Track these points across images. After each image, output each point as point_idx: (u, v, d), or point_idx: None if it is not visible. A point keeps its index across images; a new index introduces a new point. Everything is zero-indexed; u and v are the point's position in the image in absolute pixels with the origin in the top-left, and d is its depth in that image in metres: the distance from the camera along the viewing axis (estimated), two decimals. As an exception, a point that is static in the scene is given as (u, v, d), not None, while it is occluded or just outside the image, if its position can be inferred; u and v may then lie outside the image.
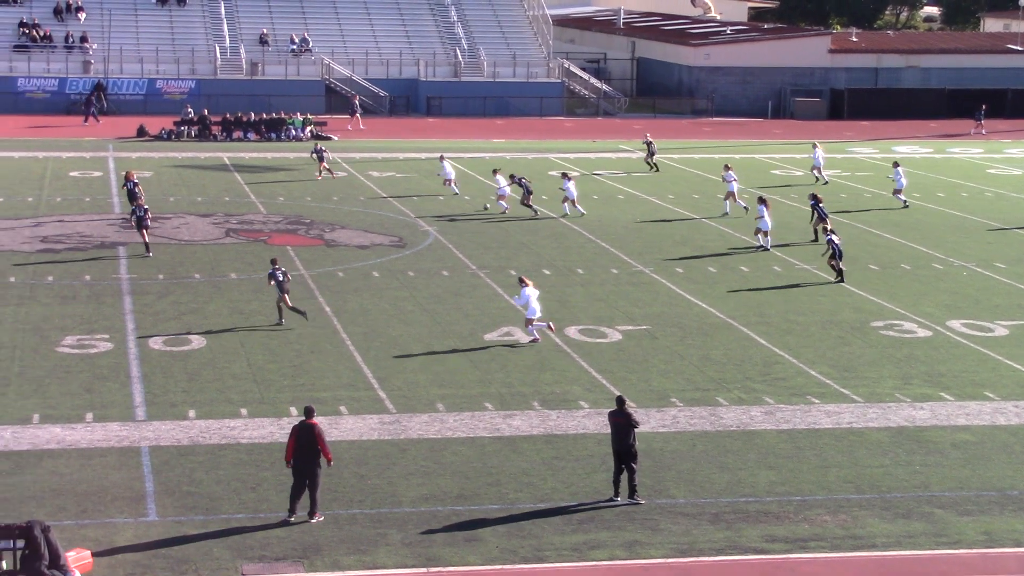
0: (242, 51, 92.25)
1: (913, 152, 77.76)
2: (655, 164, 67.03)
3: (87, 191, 57.28)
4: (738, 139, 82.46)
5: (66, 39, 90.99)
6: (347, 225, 50.71)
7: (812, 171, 64.12)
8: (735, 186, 55.27)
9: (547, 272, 43.42)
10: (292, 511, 23.49)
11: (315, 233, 49.14)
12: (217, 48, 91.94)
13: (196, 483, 25.14)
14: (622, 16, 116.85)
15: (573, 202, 53.29)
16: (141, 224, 44.85)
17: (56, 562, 20.39)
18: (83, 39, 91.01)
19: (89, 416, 28.64)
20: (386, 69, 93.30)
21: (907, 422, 29.65)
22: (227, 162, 67.60)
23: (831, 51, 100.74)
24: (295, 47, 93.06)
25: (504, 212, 53.75)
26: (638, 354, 34.52)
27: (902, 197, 57.72)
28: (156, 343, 34.28)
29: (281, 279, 36.52)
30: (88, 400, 29.67)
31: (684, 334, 36.51)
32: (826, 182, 63.00)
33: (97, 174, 61.97)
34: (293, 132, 78.13)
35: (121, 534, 22.82)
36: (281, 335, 35.18)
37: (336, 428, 28.21)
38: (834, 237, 43.57)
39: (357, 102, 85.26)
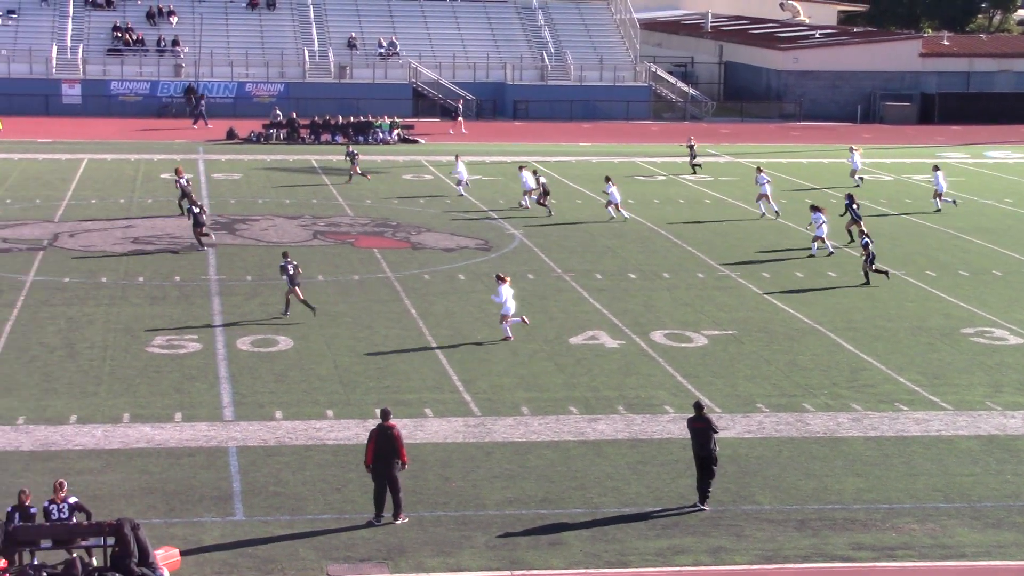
0: (331, 54, 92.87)
1: (1006, 157, 76.74)
2: (696, 167, 67.30)
3: (177, 193, 57.82)
4: (826, 144, 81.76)
5: (158, 43, 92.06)
6: (433, 228, 50.88)
7: (852, 176, 63.87)
8: (768, 188, 55.18)
9: (632, 276, 43.32)
10: (378, 514, 23.58)
11: (401, 236, 49.35)
12: (306, 51, 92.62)
13: (282, 483, 25.33)
14: (710, 20, 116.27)
15: (617, 206, 53.05)
16: (197, 222, 45.83)
17: (145, 560, 20.64)
18: (175, 43, 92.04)
19: (178, 416, 28.94)
20: (473, 73, 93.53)
21: (998, 431, 29.26)
22: (315, 165, 68.07)
23: (922, 55, 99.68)
24: (383, 51, 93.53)
25: (524, 207, 55.20)
26: (724, 359, 34.33)
27: (945, 200, 57.39)
28: (244, 344, 34.58)
29: (292, 272, 37.24)
30: (177, 400, 29.99)
31: (770, 339, 36.27)
32: (857, 184, 62.68)
33: (189, 176, 62.57)
34: (380, 135, 78.52)
35: (208, 533, 23.03)
36: (367, 338, 35.36)
37: (421, 430, 28.31)
38: (868, 240, 43.43)
39: (460, 106, 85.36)
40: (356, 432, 28.01)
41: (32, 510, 21.21)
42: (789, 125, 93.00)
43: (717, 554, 22.69)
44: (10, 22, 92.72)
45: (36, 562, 20.90)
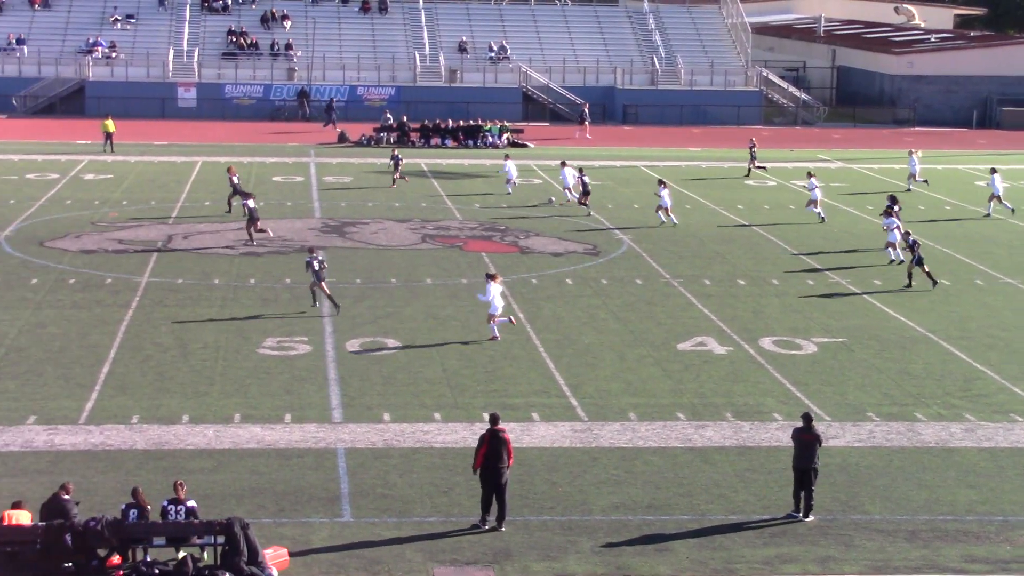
0: (441, 58, 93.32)
1: (1125, 164, 75.19)
2: (751, 168, 67.44)
3: (289, 195, 58.51)
4: (941, 149, 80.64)
5: (272, 47, 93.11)
6: (541, 232, 50.91)
7: (908, 179, 63.75)
8: (818, 193, 54.75)
9: (742, 282, 43.04)
10: (484, 519, 23.63)
11: (510, 240, 49.44)
12: (417, 55, 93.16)
13: (390, 485, 25.47)
14: (822, 24, 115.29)
15: (667, 211, 52.63)
16: (251, 219, 47.43)
17: (254, 559, 20.86)
18: (288, 47, 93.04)
19: (288, 417, 29.22)
20: (583, 77, 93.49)
21: (1115, 443, 28.67)
22: (424, 168, 68.41)
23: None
24: (493, 55, 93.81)
25: (561, 203, 56.35)
26: (834, 367, 33.99)
27: (1004, 204, 56.67)
28: (353, 346, 34.83)
29: (318, 268, 38.18)
30: (287, 401, 30.28)
31: (882, 347, 35.83)
32: (908, 189, 62.53)
33: (299, 179, 63.25)
34: (490, 139, 78.73)
35: (317, 533, 23.23)
36: (475, 341, 35.44)
37: (528, 435, 28.33)
38: (916, 241, 43.14)
39: (587, 110, 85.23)
40: (463, 435, 28.10)
41: (146, 508, 21.52)
42: (903, 131, 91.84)
43: (825, 564, 22.46)
44: (128, 26, 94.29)
45: (149, 559, 21.21)
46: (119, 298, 39.24)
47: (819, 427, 29.10)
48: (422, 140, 78.86)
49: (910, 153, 65.22)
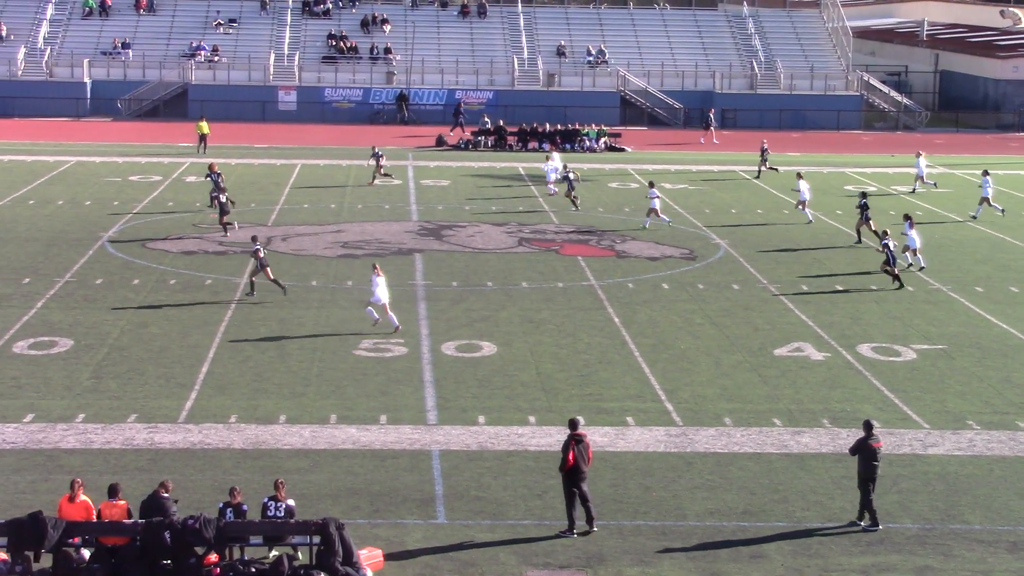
0: (539, 62, 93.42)
1: None
2: (772, 169, 67.73)
3: (387, 199, 58.84)
4: (1045, 155, 79.43)
5: (371, 50, 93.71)
6: (638, 236, 50.77)
7: (915, 181, 63.99)
8: (807, 195, 55.17)
9: (840, 288, 42.65)
10: (573, 525, 23.55)
11: (606, 244, 49.36)
12: (515, 59, 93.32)
13: (484, 488, 25.52)
14: (925, 28, 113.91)
15: (657, 212, 52.38)
16: (223, 211, 49.49)
17: (349, 559, 20.99)
18: (387, 50, 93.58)
19: (383, 418, 29.38)
20: (681, 81, 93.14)
21: None
22: (522, 172, 68.50)
23: None
24: (591, 59, 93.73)
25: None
26: (933, 374, 33.57)
27: (992, 207, 56.39)
28: (449, 349, 34.95)
29: (262, 256, 39.69)
30: (383, 403, 30.44)
31: (983, 355, 35.34)
32: (912, 190, 63.15)
33: (396, 182, 63.58)
34: (588, 143, 78.66)
35: (411, 535, 23.33)
36: (570, 345, 35.44)
37: (622, 439, 28.28)
38: (890, 242, 42.93)
39: (712, 115, 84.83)
40: (558, 439, 28.05)
41: (243, 507, 21.75)
42: (1008, 136, 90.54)
43: (923, 573, 22.19)
44: (231, 30, 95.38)
45: (245, 558, 21.43)
46: (219, 299, 39.70)
47: (919, 435, 28.83)
48: (519, 144, 78.95)
49: (917, 155, 65.00)
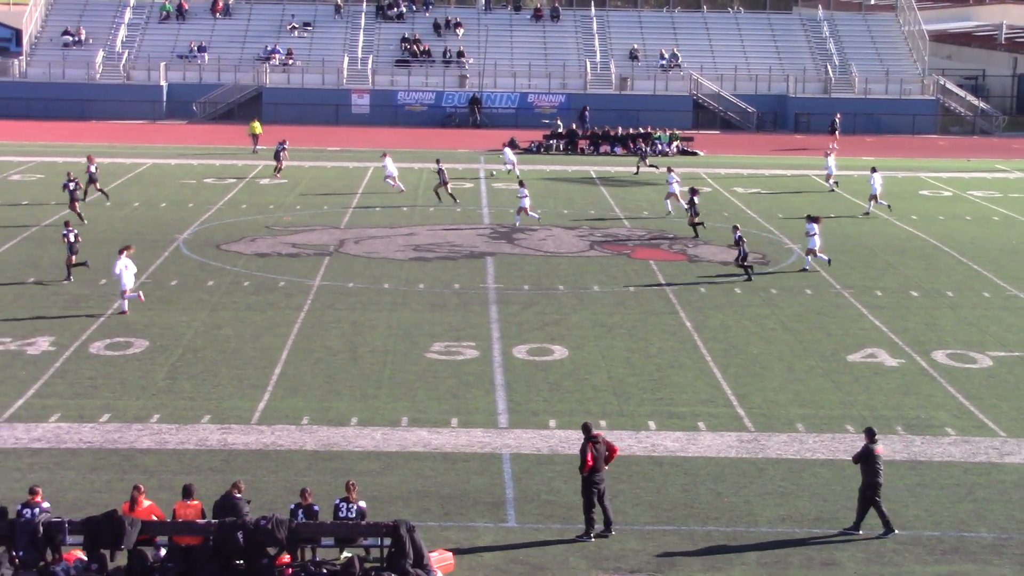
0: (612, 66, 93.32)
1: None
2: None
3: (458, 201, 58.93)
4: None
5: (444, 54, 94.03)
6: (710, 241, 50.58)
7: (827, 180, 64.42)
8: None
9: (914, 294, 42.27)
10: (591, 527, 23.47)
11: (678, 248, 49.21)
12: (588, 63, 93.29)
13: (555, 492, 25.51)
14: (1004, 31, 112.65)
15: (875, 198, 53.27)
16: (73, 199, 51.50)
17: (420, 561, 21.04)
18: (460, 54, 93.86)
19: (454, 421, 29.44)
20: (754, 85, 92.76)
21: None
22: (594, 176, 68.45)
23: None
24: (664, 62, 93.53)
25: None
26: (1010, 381, 33.19)
27: (876, 203, 57.44)
28: (520, 352, 34.96)
29: (73, 240, 41.58)
30: (454, 406, 30.50)
31: (1060, 363, 34.93)
32: (831, 189, 63.73)
33: (468, 185, 63.73)
34: (660, 147, 78.45)
35: (481, 538, 23.35)
36: (642, 349, 35.35)
37: (694, 444, 28.17)
38: (741, 236, 44.14)
39: (838, 119, 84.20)
40: (629, 444, 28.03)
41: (315, 508, 21.87)
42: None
43: (998, 583, 21.96)
44: (305, 34, 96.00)
45: (317, 559, 21.54)
46: (292, 301, 39.94)
47: (995, 443, 28.55)
48: (591, 147, 78.90)
49: (826, 153, 66.20)
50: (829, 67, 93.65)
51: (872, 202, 57.51)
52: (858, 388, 32.37)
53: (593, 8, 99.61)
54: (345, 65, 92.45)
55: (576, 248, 48.89)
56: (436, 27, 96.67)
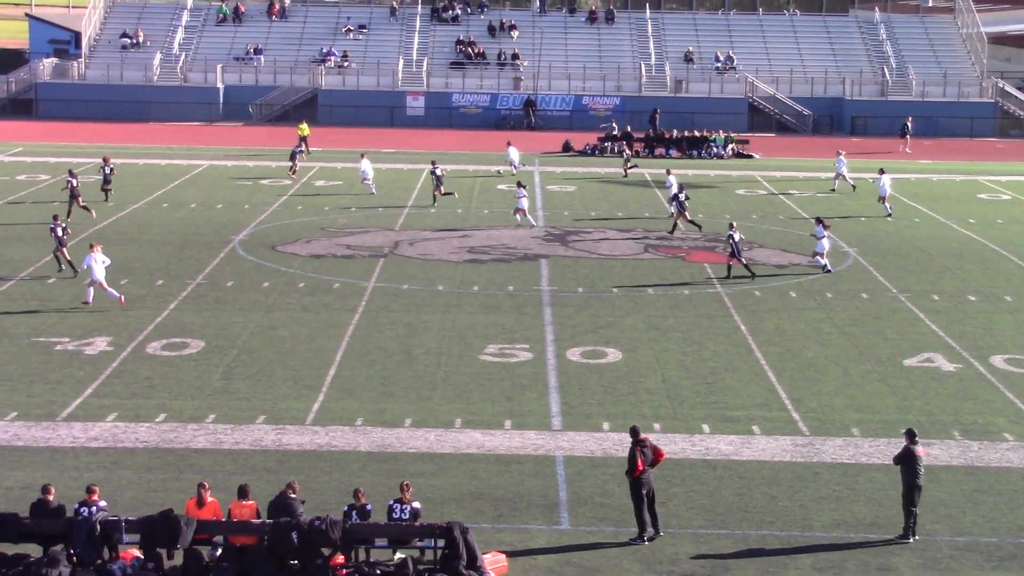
0: (667, 68, 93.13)
1: None
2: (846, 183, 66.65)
3: (513, 203, 58.90)
4: None
5: (499, 56, 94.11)
6: (765, 244, 50.37)
7: (835, 179, 64.70)
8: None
9: (972, 298, 41.94)
10: (644, 530, 23.43)
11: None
12: (642, 65, 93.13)
13: (608, 495, 25.46)
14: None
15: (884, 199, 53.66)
16: (73, 195, 51.93)
17: (473, 563, 21.06)
18: (514, 56, 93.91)
19: (508, 423, 29.45)
20: (810, 87, 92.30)
21: None
22: (648, 178, 68.31)
23: None
24: (720, 65, 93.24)
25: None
26: (1069, 387, 32.89)
27: (887, 206, 57.13)
28: (574, 355, 34.94)
29: (60, 234, 42.41)
30: (507, 408, 30.51)
31: (1120, 368, 34.56)
32: (832, 189, 63.91)
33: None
34: (715, 150, 78.19)
35: (535, 540, 23.34)
36: (696, 353, 35.26)
37: (748, 448, 28.06)
38: (735, 235, 43.44)
39: (910, 123, 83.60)
40: (683, 447, 27.96)
41: (368, 508, 21.93)
42: None
43: (1057, 591, 21.75)
44: (360, 36, 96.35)
45: (371, 560, 21.59)
46: (346, 302, 40.08)
47: (1052, 449, 28.31)
48: (646, 150, 78.72)
49: (838, 154, 65.49)
50: (886, 69, 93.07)
51: (883, 203, 57.59)
52: (915, 393, 32.14)
53: (648, 10, 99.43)
54: (400, 67, 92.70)
55: (630, 251, 48.81)
56: (491, 29, 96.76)
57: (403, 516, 21.86)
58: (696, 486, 25.86)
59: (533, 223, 53.34)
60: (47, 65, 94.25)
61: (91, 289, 38.74)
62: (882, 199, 57.21)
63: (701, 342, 36.31)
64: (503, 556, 22.09)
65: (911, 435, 23.94)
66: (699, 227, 52.14)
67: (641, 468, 23.44)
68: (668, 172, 58.48)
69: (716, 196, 62.31)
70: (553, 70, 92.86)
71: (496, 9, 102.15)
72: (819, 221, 46.86)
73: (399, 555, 21.81)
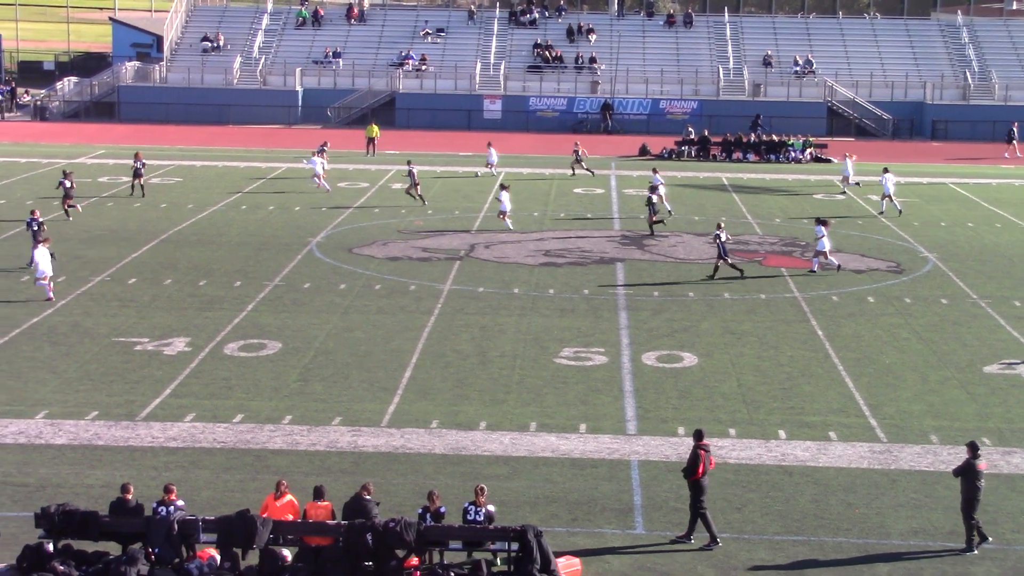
0: (745, 72, 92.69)
1: None
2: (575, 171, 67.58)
3: (589, 207, 58.97)
4: None
5: (576, 60, 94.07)
6: (843, 249, 49.98)
7: (842, 182, 64.93)
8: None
9: (1055, 305, 41.46)
10: (715, 536, 23.34)
11: (810, 256, 48.66)
12: (720, 69, 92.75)
13: (683, 499, 25.28)
14: None
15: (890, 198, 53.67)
16: (67, 195, 52.98)
17: (547, 567, 21.04)
18: (592, 60, 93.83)
19: (583, 427, 29.41)
20: (890, 92, 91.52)
21: None
22: (725, 182, 68.02)
23: None
24: (798, 69, 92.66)
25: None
26: None
27: (893, 203, 57.54)
28: (649, 359, 34.84)
29: (36, 229, 43.62)
30: (582, 411, 30.47)
31: None
32: (843, 193, 63.98)
33: (599, 191, 63.69)
34: (793, 154, 77.72)
35: (609, 544, 23.29)
36: (772, 358, 35.05)
37: (824, 454, 27.86)
38: (721, 235, 43.55)
39: (1016, 128, 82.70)
40: (758, 452, 27.81)
41: (442, 511, 21.97)
42: None
43: None
44: (439, 40, 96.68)
45: (445, 562, 21.64)
46: (423, 305, 40.21)
47: None
48: (723, 154, 78.42)
49: (845, 157, 65.58)
50: (968, 73, 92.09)
51: (886, 201, 57.89)
52: (995, 400, 31.76)
53: (727, 14, 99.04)
54: (478, 71, 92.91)
55: (707, 255, 48.58)
56: (569, 33, 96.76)
57: (477, 519, 21.90)
58: (772, 492, 25.71)
59: (511, 228, 52.94)
60: (129, 68, 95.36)
61: (47, 284, 39.86)
62: (887, 197, 57.86)
63: (778, 347, 36.10)
64: (577, 560, 22.06)
65: (974, 448, 23.65)
66: (651, 230, 52.54)
67: (702, 472, 23.37)
68: (655, 171, 58.98)
69: (794, 201, 61.92)
70: (630, 74, 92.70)
71: (574, 13, 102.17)
72: (819, 221, 46.57)
73: (473, 557, 21.83)
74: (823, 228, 45.75)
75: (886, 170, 58.56)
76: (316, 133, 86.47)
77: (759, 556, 22.89)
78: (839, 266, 45.65)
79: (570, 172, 68.78)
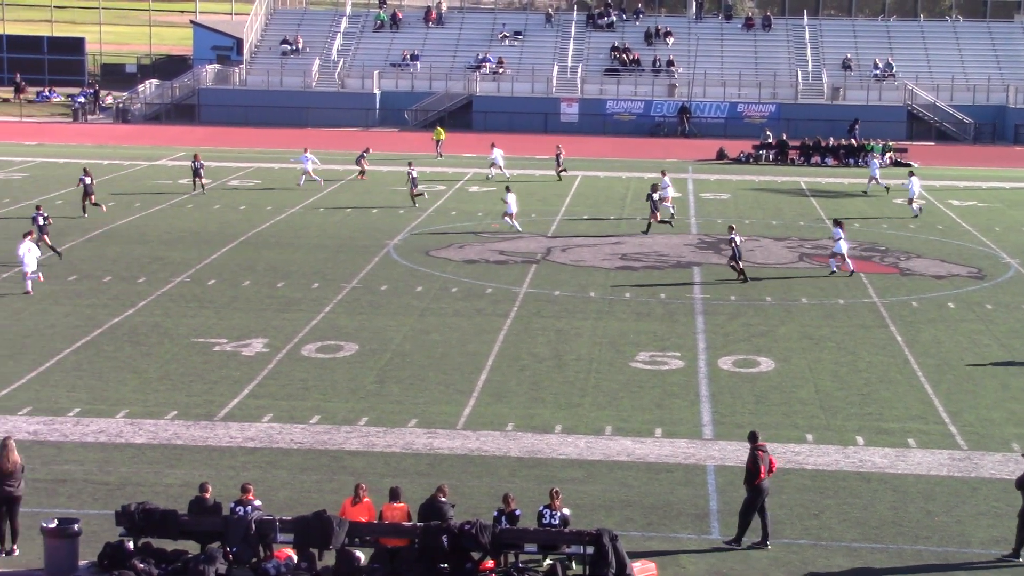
0: (824, 76, 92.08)
1: None
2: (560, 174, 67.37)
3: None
4: None
5: (653, 63, 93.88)
6: (923, 254, 49.54)
7: (869, 182, 65.34)
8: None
9: None
10: (767, 536, 23.23)
11: (890, 261, 48.30)
12: (799, 72, 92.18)
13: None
14: None
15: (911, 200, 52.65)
16: (87, 192, 53.92)
17: (623, 571, 21.01)
18: (670, 63, 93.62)
19: (658, 431, 29.32)
20: (972, 95, 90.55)
21: None
22: (803, 187, 67.61)
23: None
24: (878, 72, 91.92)
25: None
26: None
27: (914, 206, 57.48)
28: (726, 363, 34.68)
29: (42, 223, 44.61)
30: (658, 416, 30.39)
31: None
32: (864, 192, 64.06)
33: (677, 195, 63.49)
34: (871, 158, 77.01)
35: (684, 549, 23.20)
36: (850, 363, 34.77)
37: (903, 461, 27.60)
38: (736, 237, 43.20)
39: None
40: (836, 459, 27.60)
41: (517, 513, 21.99)
42: None
43: None
44: (516, 43, 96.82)
45: (520, 564, 21.66)
46: (498, 308, 40.26)
47: None
48: (802, 158, 77.93)
49: (910, 176, 63.74)
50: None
51: (912, 203, 58.00)
52: (1077, 408, 31.35)
53: (806, 17, 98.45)
54: (555, 74, 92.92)
55: (785, 259, 48.33)
56: (647, 36, 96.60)
57: (552, 522, 21.89)
58: (849, 499, 25.50)
59: (519, 228, 52.85)
60: (209, 71, 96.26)
61: (29, 281, 40.58)
62: (911, 200, 58.04)
63: (856, 352, 35.82)
64: (652, 565, 22.01)
65: None
66: (647, 230, 52.83)
67: (763, 475, 23.24)
68: (663, 173, 59.28)
69: (872, 204, 61.42)
70: (708, 77, 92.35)
71: (651, 16, 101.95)
72: (837, 223, 46.13)
73: (548, 561, 21.84)
74: (840, 230, 45.51)
75: (912, 173, 58.24)
76: (393, 136, 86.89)
77: (836, 563, 22.71)
78: (852, 271, 45.31)
79: (557, 178, 68.49)
